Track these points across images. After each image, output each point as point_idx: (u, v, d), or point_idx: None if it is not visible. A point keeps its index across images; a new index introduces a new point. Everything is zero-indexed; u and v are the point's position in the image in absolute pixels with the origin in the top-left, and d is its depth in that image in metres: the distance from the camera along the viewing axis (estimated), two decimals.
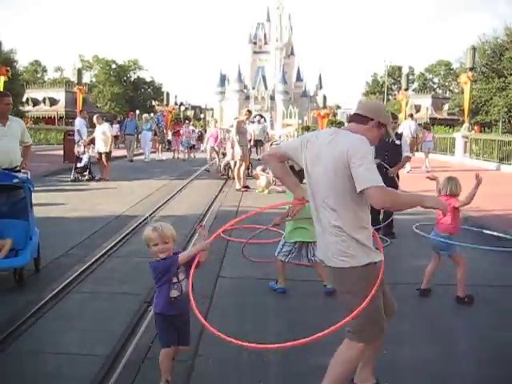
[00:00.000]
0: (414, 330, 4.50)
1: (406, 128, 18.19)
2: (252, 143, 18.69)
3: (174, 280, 3.26)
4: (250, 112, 14.07)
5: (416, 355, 4.03)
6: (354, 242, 2.93)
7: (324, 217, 3.00)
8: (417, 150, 21.77)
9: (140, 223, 8.34)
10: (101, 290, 5.43)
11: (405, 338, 4.25)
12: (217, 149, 18.05)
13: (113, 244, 7.10)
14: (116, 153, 20.65)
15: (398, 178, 8.30)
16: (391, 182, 8.08)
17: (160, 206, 10.24)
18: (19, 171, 6.12)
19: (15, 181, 5.77)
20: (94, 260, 6.32)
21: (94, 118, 15.69)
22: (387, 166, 7.71)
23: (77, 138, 16.05)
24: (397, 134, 8.51)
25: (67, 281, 5.51)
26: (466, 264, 5.28)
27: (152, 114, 25.73)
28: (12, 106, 6.54)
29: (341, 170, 2.88)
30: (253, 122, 22.37)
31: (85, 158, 14.54)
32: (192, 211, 9.91)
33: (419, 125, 21.63)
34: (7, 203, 5.86)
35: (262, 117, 27.02)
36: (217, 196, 11.98)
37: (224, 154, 16.93)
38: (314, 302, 5.16)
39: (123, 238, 7.46)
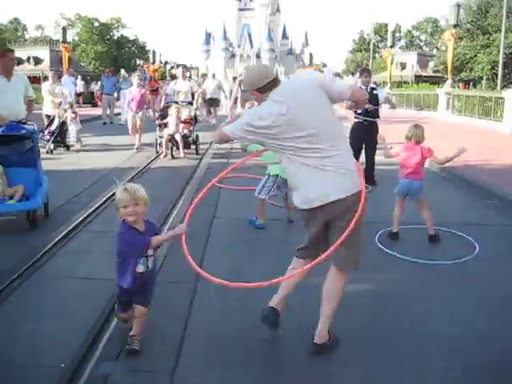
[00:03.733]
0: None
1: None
2: (200, 102, 16.41)
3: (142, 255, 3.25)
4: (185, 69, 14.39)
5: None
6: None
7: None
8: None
9: (138, 172, 9.14)
10: (107, 230, 5.96)
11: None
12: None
13: (112, 193, 7.59)
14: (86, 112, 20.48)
15: (378, 129, 8.86)
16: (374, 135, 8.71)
17: (152, 161, 10.73)
18: (25, 123, 6.53)
19: (23, 131, 6.21)
20: (97, 206, 6.85)
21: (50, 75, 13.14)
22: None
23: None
24: (372, 86, 9.00)
25: (75, 223, 6.06)
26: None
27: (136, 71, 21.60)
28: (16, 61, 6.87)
29: None
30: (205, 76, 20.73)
31: (56, 122, 12.04)
32: (184, 163, 10.49)
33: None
34: (16, 153, 6.30)
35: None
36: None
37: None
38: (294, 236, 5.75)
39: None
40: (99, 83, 21.87)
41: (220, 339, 3.47)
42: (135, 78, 12.84)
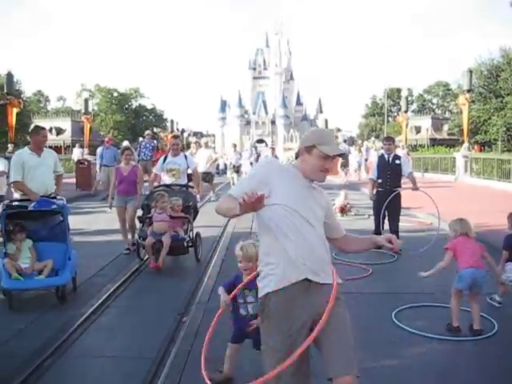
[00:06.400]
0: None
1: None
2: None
3: (240, 301, 3.85)
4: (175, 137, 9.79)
5: None
6: None
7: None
8: None
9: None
10: (135, 304, 5.92)
11: None
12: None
13: (138, 265, 7.60)
14: None
15: (400, 196, 8.87)
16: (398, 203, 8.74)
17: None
18: (55, 198, 6.66)
19: (54, 207, 6.32)
20: (124, 279, 6.83)
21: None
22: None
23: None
24: (395, 155, 9.08)
25: (104, 297, 6.03)
26: None
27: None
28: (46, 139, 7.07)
29: None
30: (200, 147, 18.54)
31: None
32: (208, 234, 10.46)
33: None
34: (46, 227, 6.40)
35: (263, 141, 25.51)
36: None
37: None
38: None
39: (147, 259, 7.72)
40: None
41: None
42: (123, 153, 8.85)
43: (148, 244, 7.21)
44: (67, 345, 4.67)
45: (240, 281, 3.78)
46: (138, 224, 8.29)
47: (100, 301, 5.88)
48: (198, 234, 7.99)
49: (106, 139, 18.98)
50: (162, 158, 8.95)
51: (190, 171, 9.07)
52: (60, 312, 5.62)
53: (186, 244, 7.52)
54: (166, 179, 8.64)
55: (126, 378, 4.05)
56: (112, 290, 6.35)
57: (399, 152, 22.26)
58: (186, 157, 8.93)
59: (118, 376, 4.16)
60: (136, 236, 8.07)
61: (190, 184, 8.89)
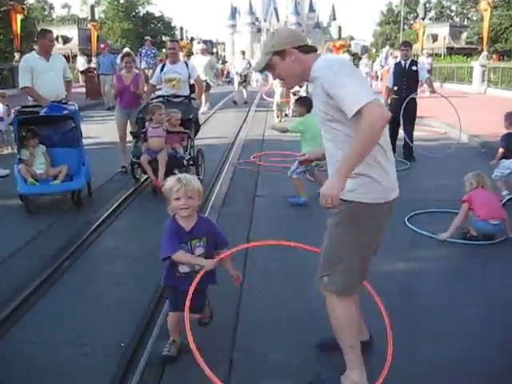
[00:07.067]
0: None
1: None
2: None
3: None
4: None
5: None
6: None
7: None
8: None
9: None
10: (148, 208, 6.01)
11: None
12: None
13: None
14: None
15: (416, 104, 8.71)
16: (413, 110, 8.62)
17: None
18: (66, 103, 6.57)
19: (65, 112, 6.26)
20: (137, 185, 6.89)
21: None
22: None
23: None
24: (412, 60, 8.82)
25: (119, 201, 6.14)
26: None
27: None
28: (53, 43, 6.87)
29: None
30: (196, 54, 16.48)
31: None
32: (219, 141, 10.45)
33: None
34: (59, 133, 6.38)
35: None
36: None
37: None
38: None
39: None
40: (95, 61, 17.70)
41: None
42: (123, 60, 8.12)
43: (143, 162, 6.52)
44: (85, 246, 4.79)
45: (179, 227, 2.85)
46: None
47: (115, 205, 5.97)
48: (199, 151, 7.20)
49: (102, 46, 18.29)
50: (159, 67, 7.97)
51: (192, 81, 7.94)
52: (77, 216, 5.75)
53: (186, 163, 6.71)
54: (165, 91, 7.72)
55: (143, 276, 4.17)
56: (126, 195, 6.43)
57: (424, 60, 21.79)
58: (186, 64, 7.96)
59: (136, 274, 4.29)
60: (131, 152, 7.01)
61: (193, 96, 7.80)
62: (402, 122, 8.53)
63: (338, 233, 2.60)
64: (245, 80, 18.91)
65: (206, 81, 15.01)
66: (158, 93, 8.09)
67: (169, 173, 6.18)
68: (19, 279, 4.05)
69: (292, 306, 3.63)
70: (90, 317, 3.52)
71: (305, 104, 6.19)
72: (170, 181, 2.83)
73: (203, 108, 15.15)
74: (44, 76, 6.49)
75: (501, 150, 6.28)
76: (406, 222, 5.36)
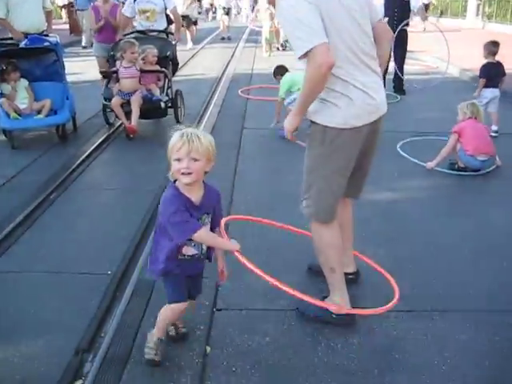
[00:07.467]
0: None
1: None
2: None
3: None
4: None
5: None
6: None
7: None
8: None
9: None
10: (134, 143, 5.93)
11: None
12: None
13: None
14: None
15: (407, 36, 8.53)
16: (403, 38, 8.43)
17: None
18: (47, 35, 6.35)
19: (46, 44, 6.05)
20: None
21: None
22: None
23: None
24: None
25: (104, 136, 6.08)
26: None
27: None
28: None
29: None
30: None
31: None
32: (207, 76, 10.27)
33: None
34: (41, 67, 6.19)
35: None
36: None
37: None
38: None
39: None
40: None
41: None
42: None
43: (115, 105, 5.95)
44: (71, 180, 4.77)
45: (187, 200, 2.15)
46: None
47: (102, 139, 5.92)
48: (178, 92, 6.55)
49: None
50: None
51: (168, 12, 7.19)
52: (62, 150, 5.69)
53: (163, 105, 6.11)
54: (140, 23, 7.02)
55: (127, 208, 4.18)
56: (112, 130, 6.35)
57: None
58: None
59: (120, 207, 4.29)
60: (102, 93, 6.36)
61: (171, 30, 7.18)
62: (392, 54, 8.36)
63: (309, 155, 2.64)
64: (227, 13, 18.60)
65: (188, 16, 14.45)
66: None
67: (144, 117, 6.09)
68: (5, 212, 4.02)
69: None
70: (77, 247, 3.53)
71: (280, 71, 6.38)
72: (173, 137, 2.13)
73: (188, 44, 14.75)
74: (23, 5, 6.21)
75: (481, 80, 6.27)
76: (398, 149, 5.44)
